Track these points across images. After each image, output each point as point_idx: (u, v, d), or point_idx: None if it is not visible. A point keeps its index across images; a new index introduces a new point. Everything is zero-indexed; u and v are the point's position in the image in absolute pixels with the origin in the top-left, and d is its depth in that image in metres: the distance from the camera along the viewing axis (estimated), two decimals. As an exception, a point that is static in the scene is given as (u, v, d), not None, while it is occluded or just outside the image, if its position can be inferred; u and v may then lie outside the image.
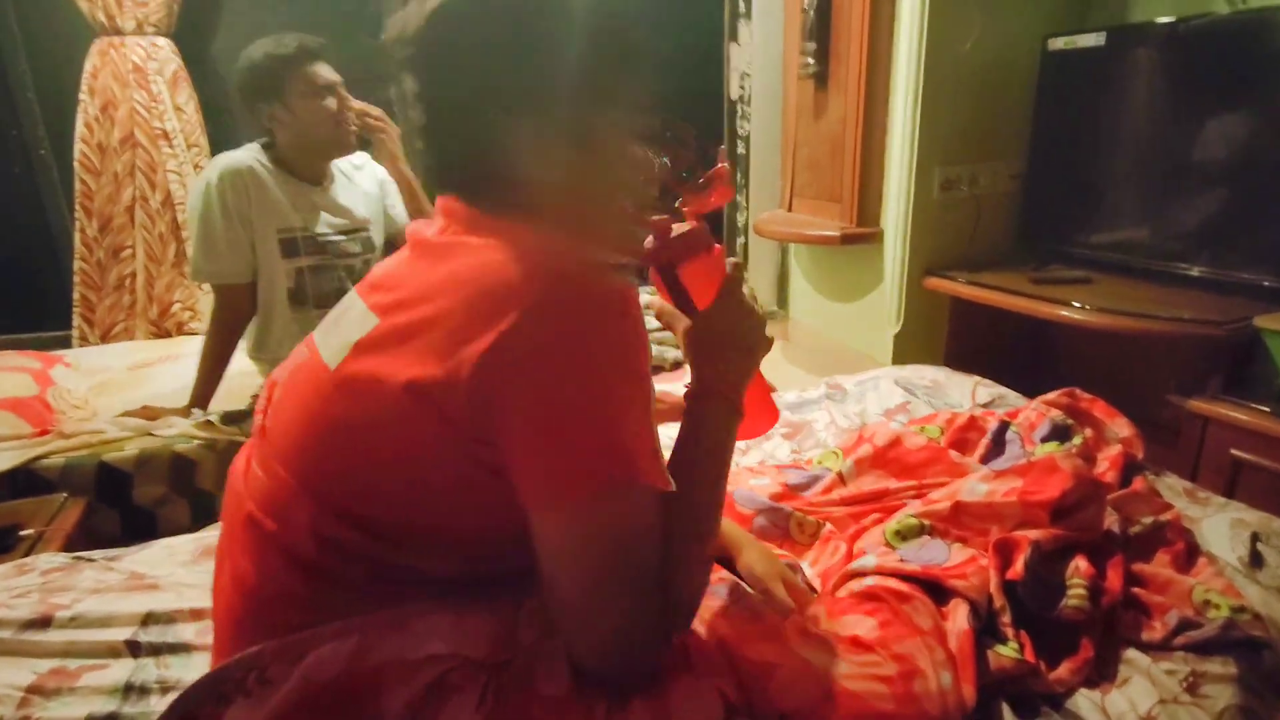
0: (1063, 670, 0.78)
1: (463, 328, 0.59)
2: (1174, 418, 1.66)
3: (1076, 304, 1.76)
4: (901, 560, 0.88)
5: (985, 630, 0.81)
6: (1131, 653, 0.81)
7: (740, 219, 2.79)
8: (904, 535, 0.95)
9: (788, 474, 1.17)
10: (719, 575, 0.85)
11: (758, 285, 2.87)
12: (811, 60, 2.28)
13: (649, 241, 0.77)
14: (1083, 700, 0.76)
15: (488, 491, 0.62)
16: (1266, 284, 1.67)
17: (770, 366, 0.85)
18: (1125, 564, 0.90)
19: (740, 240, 2.82)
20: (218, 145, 2.51)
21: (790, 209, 2.57)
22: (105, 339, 2.54)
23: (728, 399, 0.73)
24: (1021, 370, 1.91)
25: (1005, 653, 0.78)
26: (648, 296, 1.22)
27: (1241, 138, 1.72)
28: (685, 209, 0.81)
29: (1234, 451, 1.55)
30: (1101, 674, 0.79)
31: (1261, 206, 1.67)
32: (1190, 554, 0.94)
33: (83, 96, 2.41)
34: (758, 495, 1.08)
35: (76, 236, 2.48)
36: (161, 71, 2.42)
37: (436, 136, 0.67)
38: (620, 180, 0.71)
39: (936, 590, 0.84)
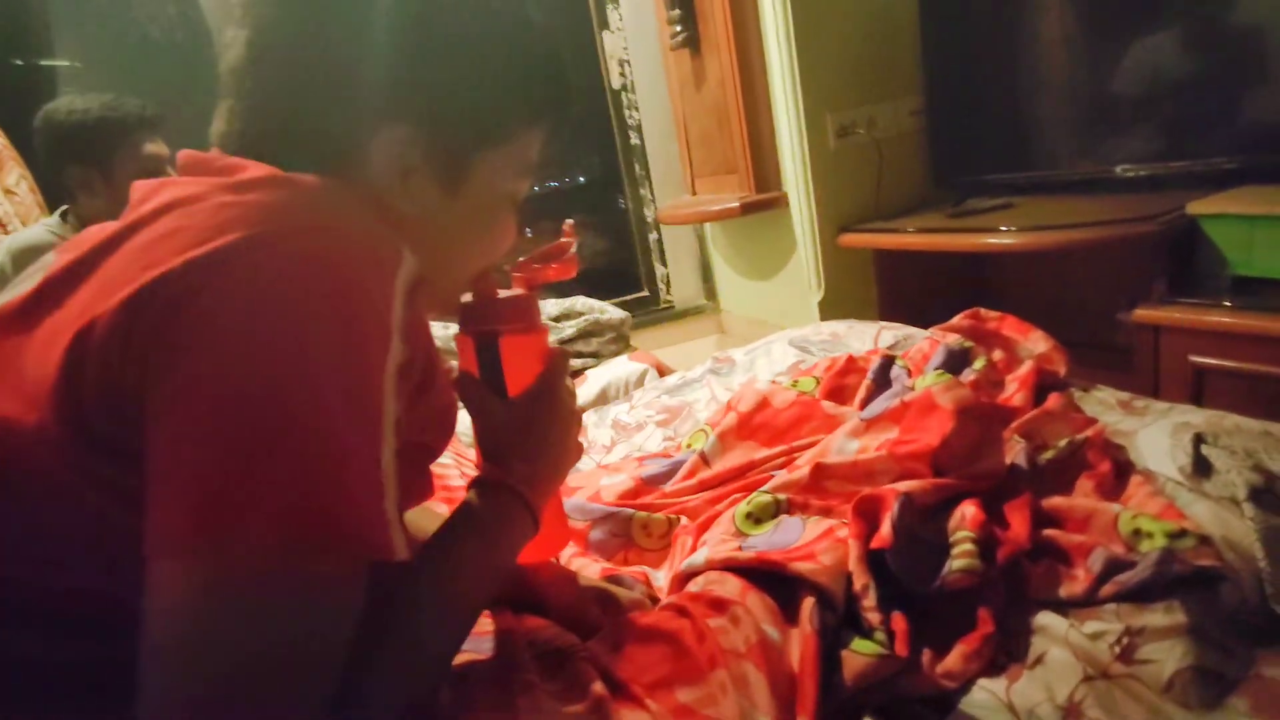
0: (953, 658, 0.57)
1: (137, 258, 0.40)
2: (1127, 338, 1.46)
3: (1002, 229, 1.59)
4: (739, 550, 0.67)
5: (846, 622, 0.60)
6: (1044, 617, 0.59)
7: (649, 214, 2.60)
8: (757, 517, 0.73)
9: (647, 465, 0.96)
10: (483, 626, 0.62)
11: (681, 280, 2.67)
12: (679, 27, 2.11)
13: (466, 298, 0.63)
14: (981, 694, 0.55)
15: (125, 533, 0.40)
16: (1198, 169, 1.50)
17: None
18: (1033, 502, 0.68)
19: (653, 236, 2.63)
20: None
21: (694, 192, 2.38)
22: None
23: (529, 506, 0.56)
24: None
25: (864, 651, 0.56)
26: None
27: (1148, 26, 1.55)
28: (516, 274, 0.67)
29: (1193, 358, 1.35)
30: (1009, 653, 0.58)
31: (1180, 90, 1.52)
32: (1120, 475, 0.73)
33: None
34: (591, 503, 0.86)
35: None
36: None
37: (268, 100, 0.50)
38: (481, 243, 0.57)
39: (784, 583, 0.63)
